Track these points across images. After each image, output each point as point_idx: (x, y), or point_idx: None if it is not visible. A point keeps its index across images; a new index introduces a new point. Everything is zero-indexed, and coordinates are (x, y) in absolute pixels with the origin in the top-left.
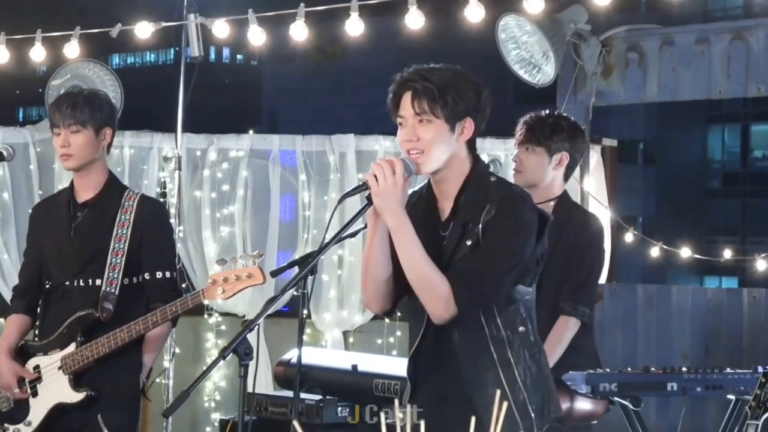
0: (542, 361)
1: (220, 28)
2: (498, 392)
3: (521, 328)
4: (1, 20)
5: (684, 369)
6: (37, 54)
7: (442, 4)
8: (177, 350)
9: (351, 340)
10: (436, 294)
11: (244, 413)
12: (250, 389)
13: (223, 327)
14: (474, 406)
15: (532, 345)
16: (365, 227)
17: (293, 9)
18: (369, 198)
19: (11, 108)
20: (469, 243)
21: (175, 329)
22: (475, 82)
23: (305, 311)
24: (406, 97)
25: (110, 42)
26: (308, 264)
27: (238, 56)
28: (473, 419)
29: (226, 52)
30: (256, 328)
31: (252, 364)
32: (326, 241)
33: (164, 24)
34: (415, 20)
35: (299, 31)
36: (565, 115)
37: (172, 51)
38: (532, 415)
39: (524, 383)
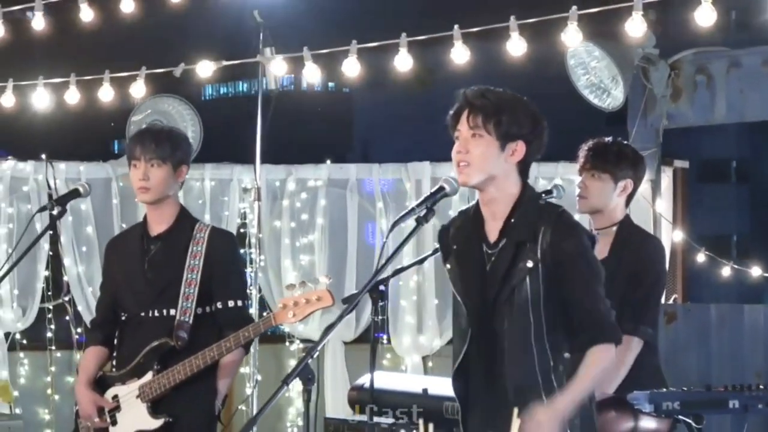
0: None
1: (278, 66)
2: (516, 409)
3: (566, 354)
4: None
5: (746, 386)
6: (106, 94)
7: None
8: (259, 377)
9: (430, 364)
10: (611, 363)
11: None
12: (328, 414)
13: (304, 354)
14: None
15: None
16: (434, 253)
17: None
18: (418, 221)
19: (106, 140)
20: (530, 265)
21: (257, 356)
22: (535, 112)
23: (384, 336)
24: (464, 113)
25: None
26: (365, 290)
27: (330, 84)
28: None
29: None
30: (318, 354)
31: (330, 388)
32: (377, 267)
33: (225, 63)
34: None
35: (352, 67)
36: (626, 142)
37: (264, 81)
38: None
39: None
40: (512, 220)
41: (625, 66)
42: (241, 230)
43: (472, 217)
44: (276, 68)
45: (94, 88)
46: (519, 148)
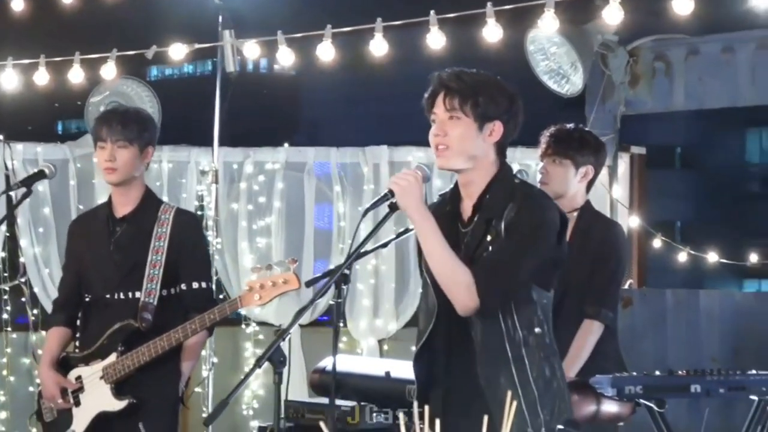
0: (556, 365)
1: (251, 49)
2: (509, 392)
3: (537, 329)
4: (41, 41)
5: (707, 371)
6: (76, 75)
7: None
8: (215, 360)
9: (386, 347)
10: (458, 284)
11: (281, 420)
12: (287, 396)
13: (260, 336)
14: (485, 400)
15: (546, 347)
16: (396, 237)
17: (321, 30)
18: (391, 207)
19: (50, 121)
20: (489, 239)
21: (214, 339)
22: (510, 91)
23: (341, 320)
24: (440, 96)
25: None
26: (336, 274)
27: (276, 66)
28: (486, 418)
29: (263, 62)
30: (289, 337)
31: (289, 371)
32: (350, 252)
33: (197, 45)
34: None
35: (326, 52)
36: (587, 129)
37: (209, 62)
38: (541, 415)
39: (536, 383)
40: (487, 196)
41: (584, 52)
42: (199, 212)
43: (449, 199)
44: (248, 51)
45: (63, 70)
46: (496, 128)
